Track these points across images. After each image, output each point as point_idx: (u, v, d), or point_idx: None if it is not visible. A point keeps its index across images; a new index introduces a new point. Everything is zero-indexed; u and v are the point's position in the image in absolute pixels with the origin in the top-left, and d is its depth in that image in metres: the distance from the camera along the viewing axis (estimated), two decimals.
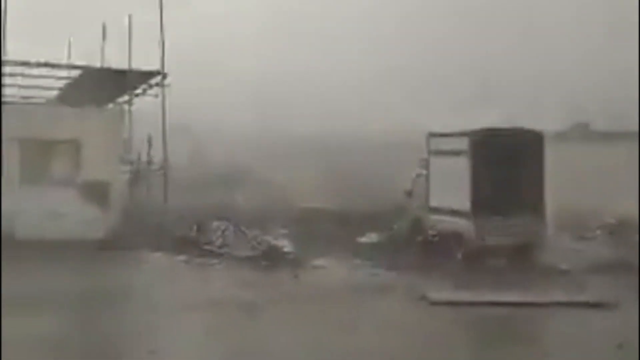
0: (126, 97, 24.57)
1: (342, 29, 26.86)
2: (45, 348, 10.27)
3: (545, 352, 11.35)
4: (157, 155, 23.07)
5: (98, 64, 23.67)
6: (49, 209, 19.35)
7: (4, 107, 20.46)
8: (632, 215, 19.40)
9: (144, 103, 24.11)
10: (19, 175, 20.38)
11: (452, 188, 18.75)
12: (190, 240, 18.90)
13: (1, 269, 9.82)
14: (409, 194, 21.02)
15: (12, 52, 21.69)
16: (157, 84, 23.59)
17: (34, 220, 19.09)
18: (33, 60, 21.97)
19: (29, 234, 18.56)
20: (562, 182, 18.90)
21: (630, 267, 16.24)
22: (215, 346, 10.66)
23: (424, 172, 20.15)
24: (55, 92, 25.14)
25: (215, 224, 19.18)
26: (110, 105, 25.10)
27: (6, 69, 21.53)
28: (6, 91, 22.19)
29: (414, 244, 19.19)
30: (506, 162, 18.20)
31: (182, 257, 18.07)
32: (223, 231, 18.86)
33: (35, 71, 23.03)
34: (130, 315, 12.45)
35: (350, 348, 10.56)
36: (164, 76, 23.25)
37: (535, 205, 18.05)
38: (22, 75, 22.91)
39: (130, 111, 24.09)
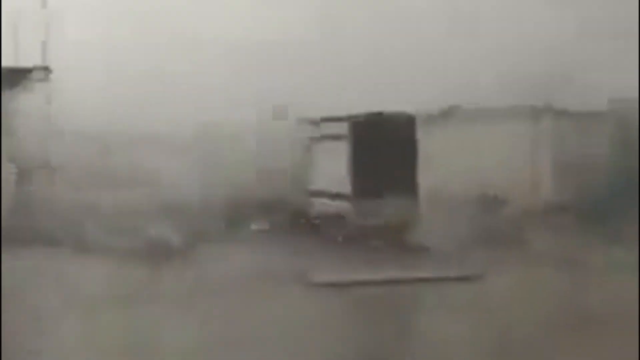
0: (8, 95, 24.40)
1: None
2: None
3: (410, 323, 12.35)
4: (42, 155, 22.97)
5: None
6: None
7: None
8: (498, 192, 20.78)
9: (30, 101, 23.94)
10: None
11: (333, 172, 19.64)
12: (70, 235, 19.06)
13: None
14: (288, 180, 21.66)
15: None
16: (39, 79, 23.50)
17: None
18: None
19: None
20: (434, 162, 19.98)
21: (496, 241, 17.58)
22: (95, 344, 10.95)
23: (305, 157, 20.95)
24: None
25: (93, 219, 19.33)
26: None
27: None
28: None
29: (297, 228, 19.98)
30: (382, 145, 19.20)
31: (60, 252, 18.18)
32: (99, 222, 19.04)
33: None
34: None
35: (230, 335, 11.14)
36: (48, 71, 23.22)
37: (408, 186, 19.08)
38: None
39: (14, 109, 23.92)
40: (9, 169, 22.71)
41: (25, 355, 10.30)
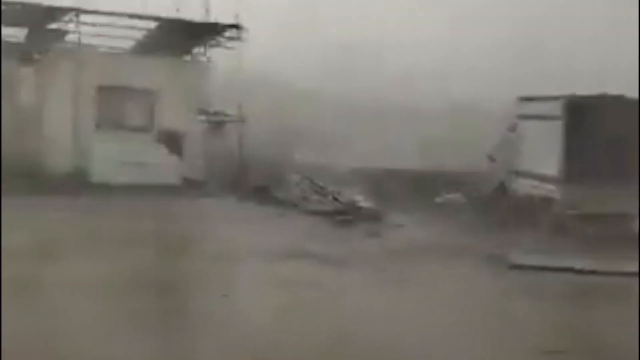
0: (202, 49, 25.18)
1: None
2: (119, 287, 10.75)
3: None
4: (232, 107, 23.58)
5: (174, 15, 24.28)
6: (125, 155, 20.04)
7: (81, 52, 21.26)
8: None
9: (220, 55, 24.60)
10: (94, 120, 21.21)
11: (541, 153, 18.77)
12: (267, 191, 19.33)
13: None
14: (492, 158, 21.06)
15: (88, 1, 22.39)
16: (232, 37, 24.10)
17: (109, 164, 19.80)
18: (109, 9, 22.73)
19: (104, 178, 19.29)
20: None
21: None
22: (288, 297, 10.89)
23: (512, 135, 20.21)
24: (131, 43, 25.86)
25: (292, 176, 19.57)
26: (187, 57, 25.69)
27: (86, 18, 22.28)
28: (84, 39, 22.96)
29: (497, 207, 19.26)
30: (599, 129, 18.12)
31: (258, 207, 18.53)
32: (298, 184, 19.23)
33: (112, 21, 23.79)
34: (205, 260, 12.84)
35: (424, 310, 10.78)
36: (240, 29, 23.76)
37: (627, 173, 17.90)
38: (99, 24, 23.70)
39: (207, 63, 24.67)
40: (198, 121, 23.44)
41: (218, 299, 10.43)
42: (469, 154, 20.74)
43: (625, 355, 9.11)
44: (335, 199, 18.29)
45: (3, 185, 16.97)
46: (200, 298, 10.73)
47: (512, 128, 20.30)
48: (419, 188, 19.55)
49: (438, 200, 20.05)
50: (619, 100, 18.71)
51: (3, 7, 21.47)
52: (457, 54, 25.32)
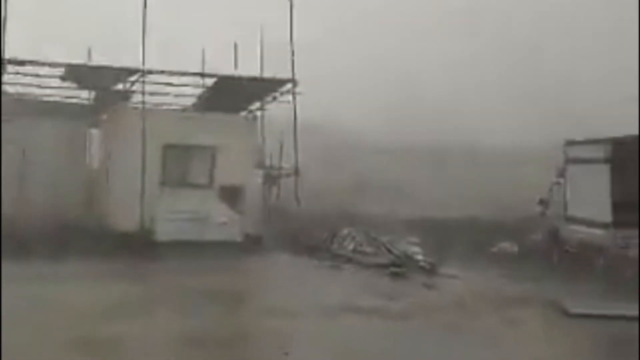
0: (258, 105, 25.57)
1: (478, 41, 26.94)
2: (185, 344, 10.90)
3: None
4: (288, 161, 23.84)
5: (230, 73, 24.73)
6: (188, 212, 20.37)
7: (148, 112, 21.78)
8: None
9: (273, 109, 24.94)
10: (159, 178, 21.62)
11: (590, 197, 18.51)
12: (323, 245, 19.45)
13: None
14: (544, 203, 20.84)
15: (148, 62, 22.96)
16: (288, 92, 24.42)
17: (173, 222, 20.14)
18: (169, 69, 23.25)
19: (170, 235, 19.62)
20: None
21: None
22: (348, 352, 10.90)
23: (561, 180, 20.00)
24: (192, 100, 26.38)
25: (346, 230, 19.66)
26: (243, 113, 26.09)
27: (147, 78, 22.85)
28: (146, 98, 23.51)
29: (551, 255, 19.07)
30: None
31: (314, 262, 18.67)
32: (354, 237, 19.31)
33: (174, 80, 24.35)
34: (266, 316, 12.95)
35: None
36: (295, 83, 24.08)
37: None
38: (162, 83, 24.28)
39: (262, 118, 25.04)
40: (255, 175, 23.74)
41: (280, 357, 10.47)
42: (520, 200, 20.60)
43: None
44: (390, 251, 18.31)
45: (73, 247, 17.51)
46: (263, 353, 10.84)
47: (561, 173, 20.11)
48: (472, 237, 19.44)
49: (492, 250, 19.91)
50: None
51: (71, 69, 22.13)
52: (506, 100, 25.30)
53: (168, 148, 22.03)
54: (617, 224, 17.66)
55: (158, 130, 21.32)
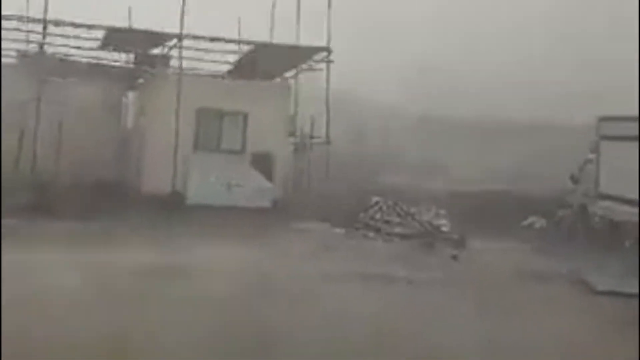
0: (292, 72, 25.18)
1: (516, 13, 26.23)
2: (209, 312, 10.60)
3: None
4: (319, 130, 23.51)
5: (266, 40, 24.38)
6: (220, 177, 20.16)
7: (184, 77, 21.58)
8: None
9: (306, 77, 24.57)
10: (192, 143, 21.42)
11: (623, 175, 17.89)
12: (351, 214, 19.11)
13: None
14: (575, 179, 20.26)
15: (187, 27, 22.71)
16: (322, 60, 24.02)
17: (205, 187, 19.95)
18: (208, 35, 22.98)
19: (201, 199, 19.44)
20: None
21: None
22: (371, 321, 10.55)
23: (593, 157, 19.39)
24: (227, 66, 26.07)
25: (374, 199, 19.29)
26: (277, 80, 25.73)
27: (185, 42, 22.60)
28: (184, 64, 23.28)
29: (580, 231, 18.52)
30: None
31: (342, 230, 18.30)
32: (382, 207, 18.93)
33: (211, 45, 24.08)
34: (292, 282, 12.68)
35: (510, 335, 10.18)
36: (329, 51, 23.66)
37: None
38: (199, 49, 24.03)
39: (296, 86, 24.66)
40: (287, 143, 23.45)
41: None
42: (552, 175, 20.04)
43: None
44: (418, 223, 17.91)
45: (105, 207, 17.40)
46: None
47: (594, 149, 19.49)
48: (501, 211, 18.94)
49: (521, 224, 19.42)
50: None
51: (111, 32, 21.96)
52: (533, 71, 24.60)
53: (202, 113, 21.82)
54: None
55: (193, 95, 21.13)
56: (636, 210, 17.10)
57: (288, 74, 25.38)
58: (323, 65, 23.88)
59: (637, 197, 17.13)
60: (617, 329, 11.23)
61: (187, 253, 14.41)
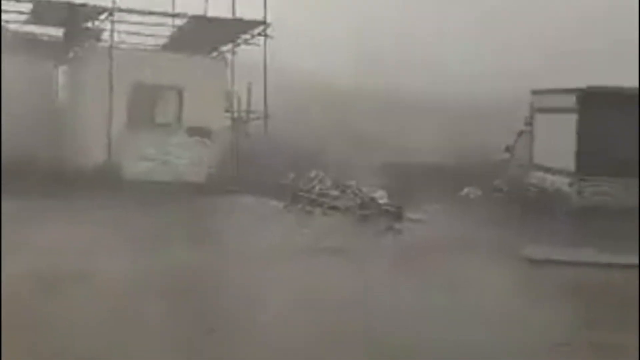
0: (229, 46, 24.81)
1: None
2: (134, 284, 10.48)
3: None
4: (258, 104, 23.30)
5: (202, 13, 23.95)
6: (154, 152, 19.84)
7: (117, 51, 21.11)
8: None
9: (246, 52, 24.27)
10: (126, 118, 21.00)
11: (556, 146, 18.26)
12: (289, 188, 19.04)
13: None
14: (510, 150, 20.61)
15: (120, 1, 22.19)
16: (259, 34, 23.73)
17: (139, 162, 19.62)
18: (141, 8, 22.49)
19: (136, 175, 19.10)
20: None
21: None
22: (309, 295, 10.50)
23: (528, 129, 19.73)
24: (161, 40, 25.58)
25: (313, 173, 19.26)
26: (214, 54, 25.35)
27: (116, 16, 22.07)
28: (116, 37, 22.76)
29: (514, 201, 18.82)
30: (616, 122, 17.53)
31: (280, 203, 18.22)
32: (320, 180, 18.93)
33: (144, 19, 23.57)
34: (228, 257, 12.54)
35: (444, 304, 10.24)
36: (267, 25, 23.40)
37: None
38: (131, 22, 23.50)
39: (232, 60, 24.31)
40: (224, 117, 23.17)
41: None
42: (487, 147, 20.30)
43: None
44: (356, 195, 17.94)
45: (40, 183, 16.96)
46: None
47: (528, 121, 19.83)
48: (439, 182, 19.06)
49: (457, 195, 19.62)
50: (634, 92, 18.10)
51: (38, 6, 21.35)
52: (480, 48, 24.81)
53: (136, 87, 21.35)
54: (581, 172, 17.44)
55: (126, 70, 20.65)
56: (567, 180, 17.51)
57: (225, 48, 24.98)
58: (261, 40, 23.58)
59: (569, 167, 17.55)
60: (552, 297, 11.42)
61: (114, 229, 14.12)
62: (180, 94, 21.64)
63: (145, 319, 8.96)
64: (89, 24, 23.56)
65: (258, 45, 23.61)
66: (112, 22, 21.97)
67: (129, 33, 24.27)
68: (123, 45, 23.80)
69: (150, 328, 8.69)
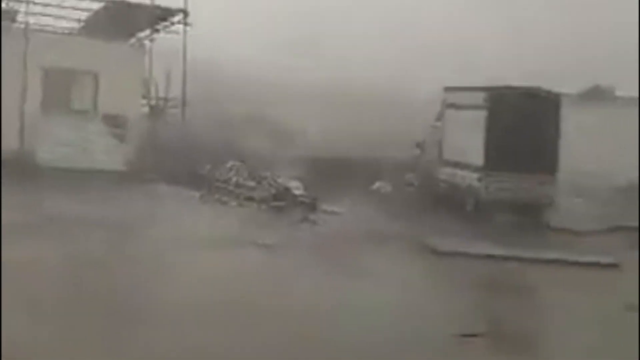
0: (147, 33, 24.60)
1: None
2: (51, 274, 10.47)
3: (538, 305, 11.61)
4: (176, 92, 23.17)
5: None
6: (69, 139, 19.55)
7: (31, 33, 20.65)
8: None
9: (164, 40, 24.11)
10: (40, 103, 20.62)
11: (465, 142, 18.84)
12: (205, 177, 19.07)
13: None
14: (421, 146, 21.12)
15: None
16: (179, 22, 23.62)
17: (54, 147, 19.29)
18: None
19: (50, 162, 18.77)
20: (577, 144, 19.00)
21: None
22: (227, 284, 10.63)
23: (439, 124, 20.25)
24: (77, 25, 25.17)
25: (229, 163, 19.34)
26: (132, 41, 25.09)
27: None
28: (30, 19, 22.29)
29: (424, 196, 19.36)
30: (522, 121, 18.19)
31: (196, 193, 18.28)
32: (237, 171, 19.03)
33: (60, 1, 23.14)
34: (143, 246, 12.59)
35: (352, 295, 10.57)
36: (187, 14, 23.31)
37: (548, 165, 18.13)
38: (46, 4, 23.05)
39: (150, 47, 24.12)
40: (141, 105, 22.98)
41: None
42: (399, 142, 20.73)
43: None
44: (271, 186, 18.14)
45: None
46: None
47: (439, 117, 20.35)
48: (351, 176, 19.43)
49: (372, 187, 20.05)
50: (537, 93, 18.85)
51: None
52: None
53: (50, 72, 20.97)
54: (488, 168, 18.07)
55: (40, 53, 20.23)
56: (475, 175, 18.15)
57: (143, 35, 24.76)
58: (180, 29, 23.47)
59: (476, 163, 18.17)
60: (457, 287, 11.93)
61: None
62: (96, 79, 21.37)
63: (43, 305, 8.99)
64: (3, 5, 23.00)
65: (177, 33, 23.54)
66: (28, 2, 21.50)
67: (44, 15, 23.82)
68: (38, 28, 23.32)
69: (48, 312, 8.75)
